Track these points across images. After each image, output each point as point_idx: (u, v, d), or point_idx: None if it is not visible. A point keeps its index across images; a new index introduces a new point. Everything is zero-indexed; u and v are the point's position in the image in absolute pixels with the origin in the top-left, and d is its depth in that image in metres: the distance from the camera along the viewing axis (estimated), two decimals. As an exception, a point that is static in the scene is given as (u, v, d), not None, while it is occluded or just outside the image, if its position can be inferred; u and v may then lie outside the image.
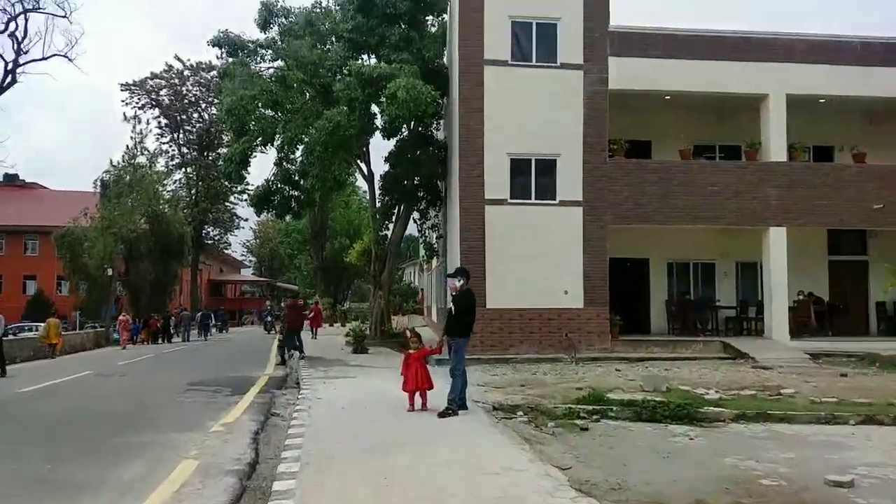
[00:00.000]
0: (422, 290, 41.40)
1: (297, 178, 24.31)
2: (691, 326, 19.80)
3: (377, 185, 23.25)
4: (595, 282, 17.56)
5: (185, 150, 62.59)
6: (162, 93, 60.94)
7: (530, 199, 17.68)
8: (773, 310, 18.24)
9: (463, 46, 17.86)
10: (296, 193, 24.70)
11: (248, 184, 64.42)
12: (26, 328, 37.32)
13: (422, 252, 35.53)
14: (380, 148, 24.68)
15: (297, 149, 21.36)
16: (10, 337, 28.20)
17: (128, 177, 34.42)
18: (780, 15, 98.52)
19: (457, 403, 8.55)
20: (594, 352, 17.24)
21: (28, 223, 58.30)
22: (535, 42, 18.01)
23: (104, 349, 28.93)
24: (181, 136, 62.69)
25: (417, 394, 8.96)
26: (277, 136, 22.25)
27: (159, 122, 60.55)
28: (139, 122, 34.78)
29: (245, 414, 9.42)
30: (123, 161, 34.05)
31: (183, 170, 62.46)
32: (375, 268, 23.59)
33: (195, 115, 62.41)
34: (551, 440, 8.05)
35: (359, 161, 24.35)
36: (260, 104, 20.34)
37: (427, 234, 24.07)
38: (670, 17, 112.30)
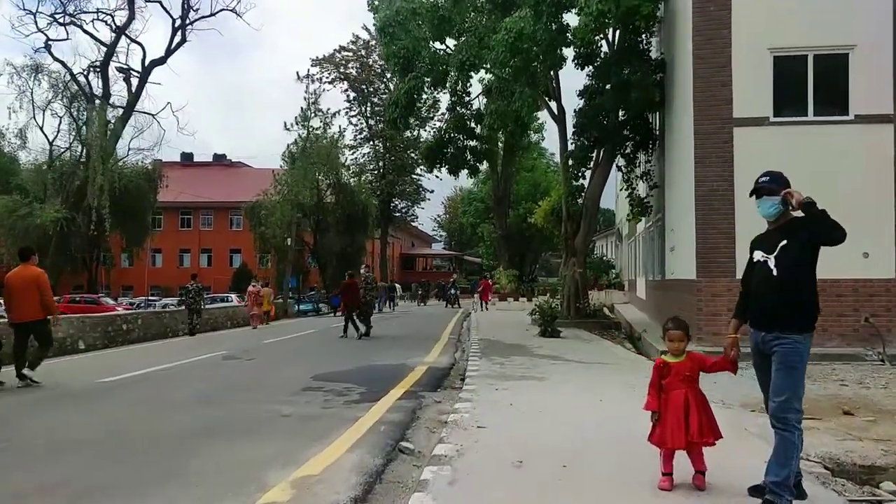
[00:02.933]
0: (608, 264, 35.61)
1: (472, 124, 20.31)
2: None
3: (570, 124, 18.37)
4: (917, 239, 11.34)
5: (371, 122, 62.22)
6: (350, 65, 60.74)
7: (806, 115, 11.84)
8: None
9: None
10: (472, 143, 20.74)
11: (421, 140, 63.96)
12: (218, 299, 38.02)
13: (622, 214, 29.79)
14: (571, 78, 19.68)
15: (471, 77, 17.18)
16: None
17: (302, 141, 32.88)
18: None
19: (790, 490, 3.62)
20: (914, 347, 11.15)
21: (233, 199, 61.29)
22: None
23: (280, 322, 27.40)
24: (368, 108, 62.40)
25: (679, 452, 4.13)
26: (450, 73, 18.28)
27: (347, 96, 60.93)
28: (312, 80, 32.85)
29: (353, 451, 5.37)
30: (297, 123, 32.61)
31: (371, 142, 62.39)
32: (567, 229, 18.81)
33: (381, 86, 61.63)
34: None
35: (546, 99, 19.64)
36: (422, 23, 16.38)
37: (634, 184, 18.73)
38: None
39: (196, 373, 10.45)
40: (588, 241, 18.96)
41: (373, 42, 58.68)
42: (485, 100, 18.55)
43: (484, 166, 37.25)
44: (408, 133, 57.66)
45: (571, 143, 18.00)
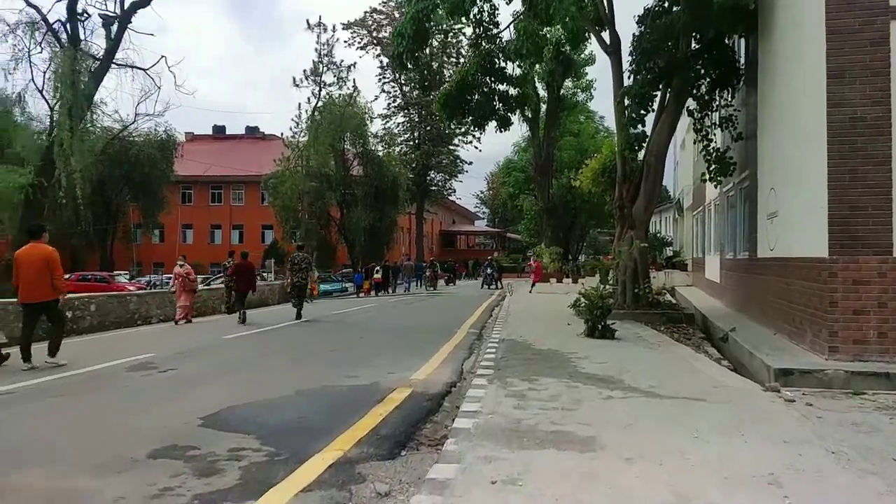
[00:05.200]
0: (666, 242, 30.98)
1: (501, 62, 16.23)
2: None
3: (627, 56, 14.12)
4: None
5: (406, 89, 58.46)
6: (383, 29, 57.05)
7: None
8: None
9: None
10: (502, 87, 16.67)
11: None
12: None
13: (684, 181, 25.25)
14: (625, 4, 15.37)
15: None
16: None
17: (315, 99, 29.14)
18: None
19: None
20: None
21: (264, 172, 58.77)
22: None
23: (285, 305, 23.92)
24: (402, 75, 58.58)
25: None
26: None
27: (380, 62, 57.41)
28: (325, 30, 28.92)
29: None
30: (307, 78, 28.74)
31: (405, 111, 58.82)
32: (623, 193, 14.64)
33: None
34: None
35: (597, 28, 15.43)
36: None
37: (710, 135, 14.36)
38: None
39: (26, 406, 6.83)
40: (651, 208, 14.74)
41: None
42: (514, 29, 14.50)
43: (520, 128, 33.43)
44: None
45: (629, 77, 13.76)
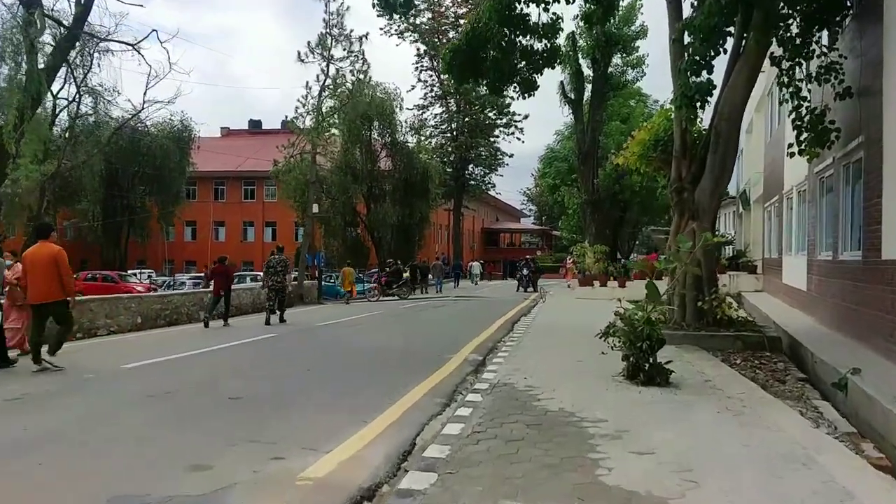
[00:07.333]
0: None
1: (523, 7, 12.70)
2: None
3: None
4: None
5: (444, 77, 55.39)
6: (421, 14, 54.52)
7: None
8: None
9: None
10: (523, 41, 13.11)
11: (513, 116, 56.46)
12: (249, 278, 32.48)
13: (753, 166, 20.97)
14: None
15: None
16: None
17: (324, 76, 25.90)
18: None
19: None
20: None
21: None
22: None
23: (293, 309, 20.77)
24: (440, 63, 55.64)
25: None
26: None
27: (417, 50, 54.85)
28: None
29: None
30: (312, 52, 25.48)
31: (443, 100, 55.92)
32: (682, 172, 10.85)
33: (455, 36, 54.75)
34: None
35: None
36: None
37: (803, 91, 10.44)
38: None
39: None
40: (721, 190, 10.87)
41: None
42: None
43: (562, 112, 29.54)
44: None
45: (691, 8, 9.99)
